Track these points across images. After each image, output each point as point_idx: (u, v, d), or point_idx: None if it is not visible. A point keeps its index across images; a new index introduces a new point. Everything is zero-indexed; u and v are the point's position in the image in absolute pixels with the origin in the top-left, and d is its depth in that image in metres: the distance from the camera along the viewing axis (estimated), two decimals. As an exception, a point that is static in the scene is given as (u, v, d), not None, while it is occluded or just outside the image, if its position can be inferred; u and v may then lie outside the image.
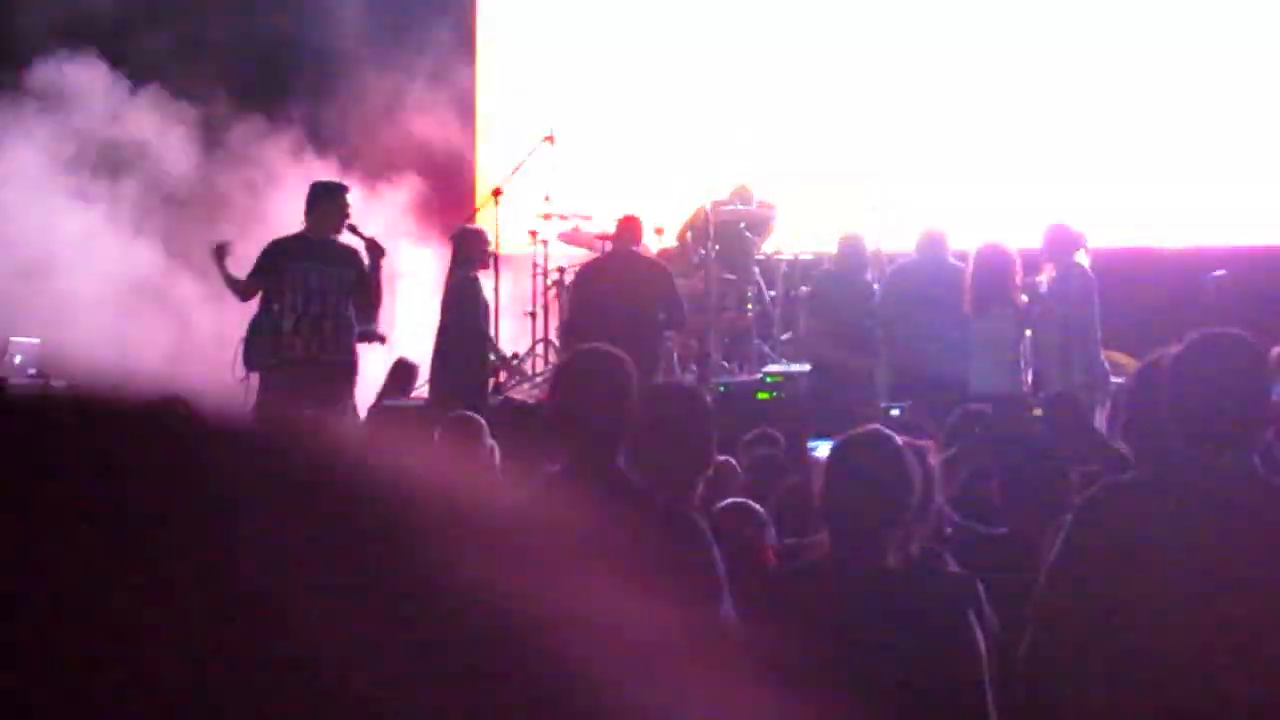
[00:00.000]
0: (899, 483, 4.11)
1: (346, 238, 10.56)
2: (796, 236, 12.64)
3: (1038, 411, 5.54)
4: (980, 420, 6.57)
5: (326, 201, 10.49)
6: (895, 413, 9.86)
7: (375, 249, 10.58)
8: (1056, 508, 5.31)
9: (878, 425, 4.38)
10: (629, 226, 11.62)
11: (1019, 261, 10.97)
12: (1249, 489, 3.91)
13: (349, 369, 10.58)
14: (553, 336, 12.47)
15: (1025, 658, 4.04)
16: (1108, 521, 3.92)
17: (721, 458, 6.13)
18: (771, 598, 4.16)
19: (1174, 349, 4.07)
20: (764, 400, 11.89)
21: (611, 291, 11.01)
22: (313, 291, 10.40)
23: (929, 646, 3.97)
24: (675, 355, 12.24)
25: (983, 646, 4.02)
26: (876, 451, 4.18)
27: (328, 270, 10.43)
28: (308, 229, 10.51)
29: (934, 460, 4.86)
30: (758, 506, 5.66)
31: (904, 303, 11.08)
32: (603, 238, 12.17)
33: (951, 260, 11.24)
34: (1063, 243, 11.19)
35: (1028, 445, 5.68)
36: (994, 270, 10.89)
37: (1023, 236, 11.65)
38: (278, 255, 10.45)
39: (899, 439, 4.42)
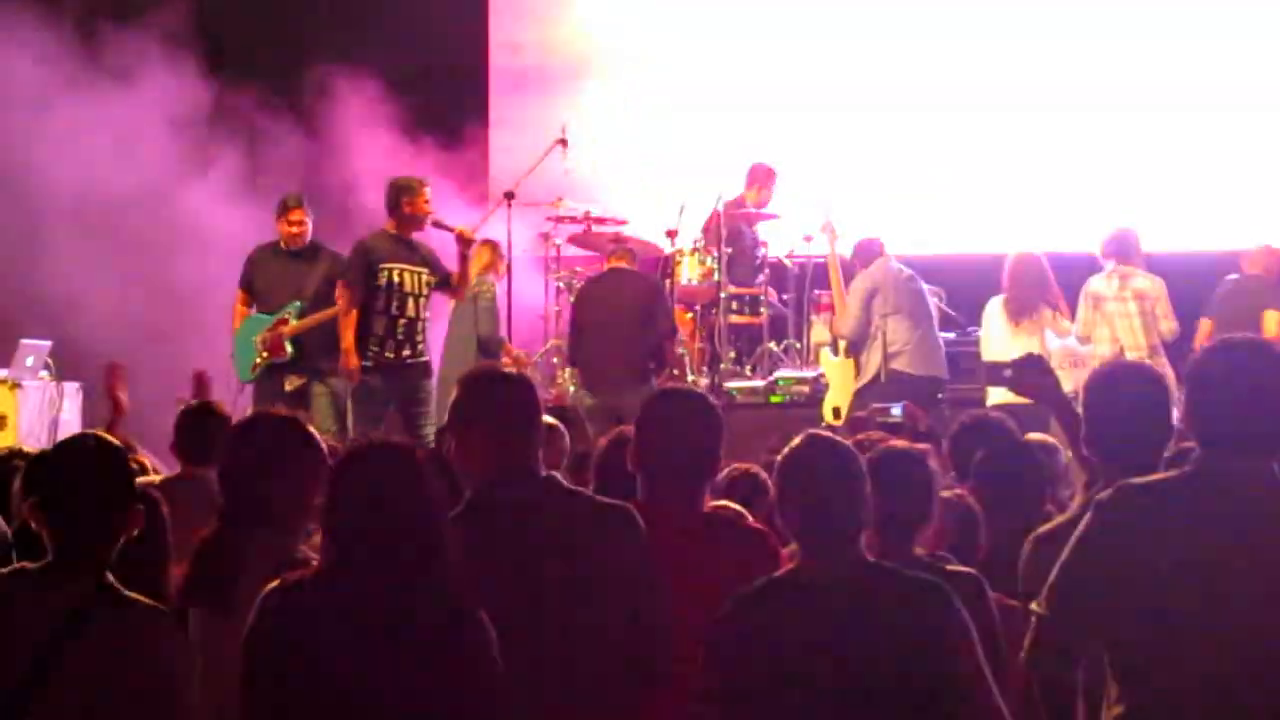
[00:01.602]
0: (851, 483, 4.08)
1: (430, 232, 10.72)
2: (810, 240, 12.58)
3: (1008, 372, 5.52)
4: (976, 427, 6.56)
5: (409, 197, 10.53)
6: (896, 412, 9.84)
7: (465, 240, 10.68)
8: (1035, 512, 5.28)
9: (818, 431, 4.35)
10: (619, 249, 11.82)
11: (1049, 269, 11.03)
12: (1269, 495, 3.87)
13: (429, 367, 10.76)
14: (562, 342, 12.46)
15: (1030, 659, 4.00)
16: (1124, 526, 3.88)
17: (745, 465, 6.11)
18: (746, 610, 4.12)
19: (1192, 355, 4.04)
20: (776, 404, 11.88)
21: (603, 308, 11.20)
22: (406, 295, 10.49)
23: (917, 646, 3.95)
24: (687, 359, 12.22)
25: (976, 641, 4.00)
26: (823, 456, 4.15)
27: (416, 271, 10.51)
28: (392, 227, 10.56)
29: (934, 464, 4.84)
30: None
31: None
32: (614, 240, 12.16)
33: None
34: (1127, 249, 11.21)
35: (1008, 448, 5.68)
36: (1032, 278, 10.93)
37: (1026, 241, 11.67)
38: (368, 258, 10.54)
39: (891, 444, 4.39)
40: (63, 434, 10.39)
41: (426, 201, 10.61)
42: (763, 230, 12.98)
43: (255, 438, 4.81)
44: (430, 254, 10.68)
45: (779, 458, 4.21)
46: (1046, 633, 3.96)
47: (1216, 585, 3.79)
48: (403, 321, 10.50)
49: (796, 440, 4.22)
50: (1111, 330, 11.01)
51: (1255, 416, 3.89)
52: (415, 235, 10.67)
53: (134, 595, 4.10)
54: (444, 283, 10.67)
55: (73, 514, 4.10)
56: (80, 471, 4.15)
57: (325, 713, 3.75)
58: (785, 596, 4.07)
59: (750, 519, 5.09)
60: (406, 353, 10.52)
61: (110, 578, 4.09)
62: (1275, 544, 3.82)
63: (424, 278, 10.58)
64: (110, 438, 4.38)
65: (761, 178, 12.90)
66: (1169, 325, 10.99)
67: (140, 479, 5.45)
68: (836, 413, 11.15)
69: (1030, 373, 5.26)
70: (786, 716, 3.99)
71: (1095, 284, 11.18)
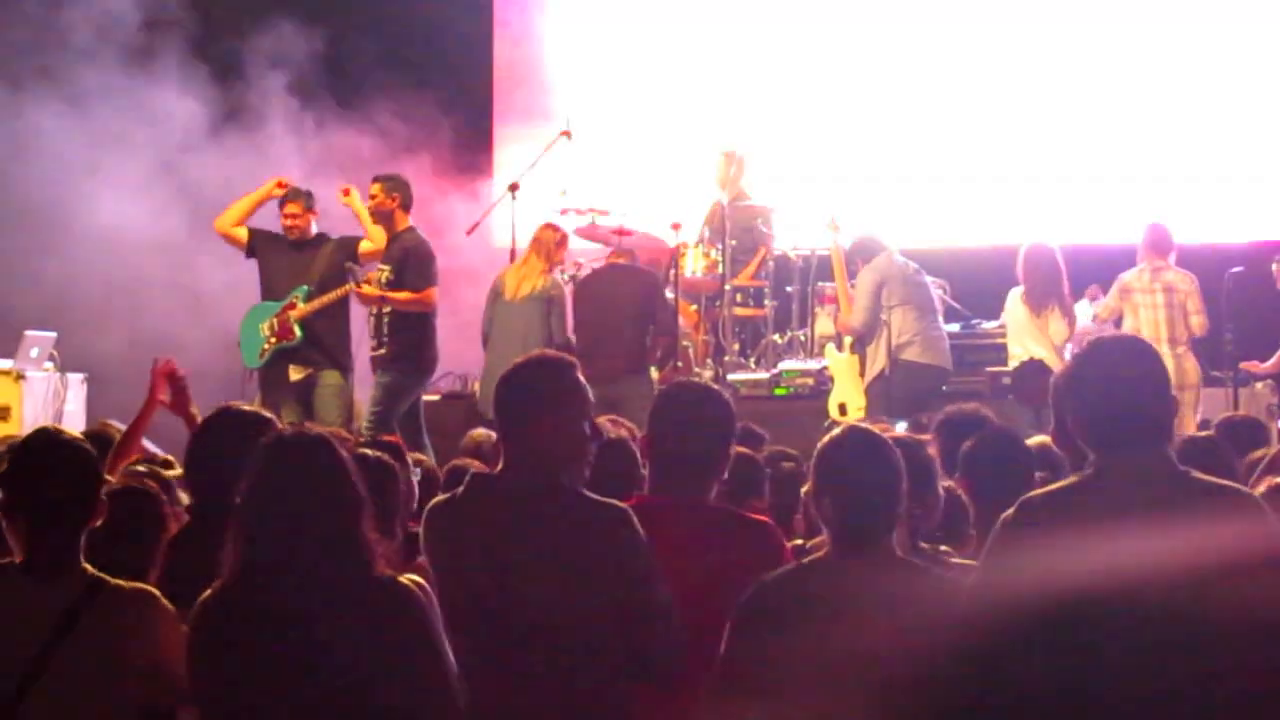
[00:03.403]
0: (888, 477, 4.13)
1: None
2: (812, 232, 12.58)
3: (1007, 380, 5.45)
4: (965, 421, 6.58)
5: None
6: (901, 428, 9.91)
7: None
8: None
9: (857, 424, 4.37)
10: (620, 246, 12.02)
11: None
12: (1166, 483, 3.91)
13: (384, 359, 10.80)
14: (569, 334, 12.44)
15: (955, 661, 4.01)
16: (1027, 541, 3.91)
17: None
18: (775, 598, 4.15)
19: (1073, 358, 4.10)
20: (781, 396, 11.87)
21: (601, 302, 11.28)
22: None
23: (930, 638, 3.96)
24: (692, 352, 12.22)
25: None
26: (862, 449, 4.17)
27: (379, 269, 10.79)
28: None
29: (932, 451, 4.86)
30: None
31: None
32: (619, 233, 12.15)
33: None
34: (1158, 244, 11.23)
35: (993, 440, 5.72)
36: (1048, 270, 10.95)
37: (1035, 234, 11.66)
38: None
39: (891, 433, 4.42)
40: (66, 425, 10.39)
41: (370, 197, 10.97)
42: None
43: (217, 433, 4.80)
44: (396, 251, 10.85)
45: (819, 446, 4.22)
46: (967, 659, 3.95)
47: (1127, 580, 3.79)
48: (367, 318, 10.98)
49: (838, 430, 4.26)
50: (1135, 321, 11.09)
51: (1138, 409, 3.93)
52: (400, 230, 10.92)
53: (119, 581, 4.13)
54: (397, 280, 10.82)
55: (39, 512, 4.12)
56: (41, 470, 4.17)
57: (272, 709, 3.79)
58: (809, 586, 4.11)
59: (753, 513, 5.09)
60: (372, 346, 10.89)
61: (90, 568, 4.12)
62: (1178, 528, 3.83)
63: (379, 275, 10.79)
64: (69, 432, 4.39)
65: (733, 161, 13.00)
66: (1199, 320, 11.10)
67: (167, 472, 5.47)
68: (842, 409, 11.16)
69: (1030, 379, 5.28)
70: (805, 705, 4.02)
71: (1126, 276, 11.27)
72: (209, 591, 3.89)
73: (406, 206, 10.93)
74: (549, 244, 11.64)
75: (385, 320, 10.78)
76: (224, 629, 3.84)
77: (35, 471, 4.17)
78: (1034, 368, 5.23)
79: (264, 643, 3.79)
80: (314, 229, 11.26)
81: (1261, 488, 4.75)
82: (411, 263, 10.82)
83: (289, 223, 11.19)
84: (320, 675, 3.76)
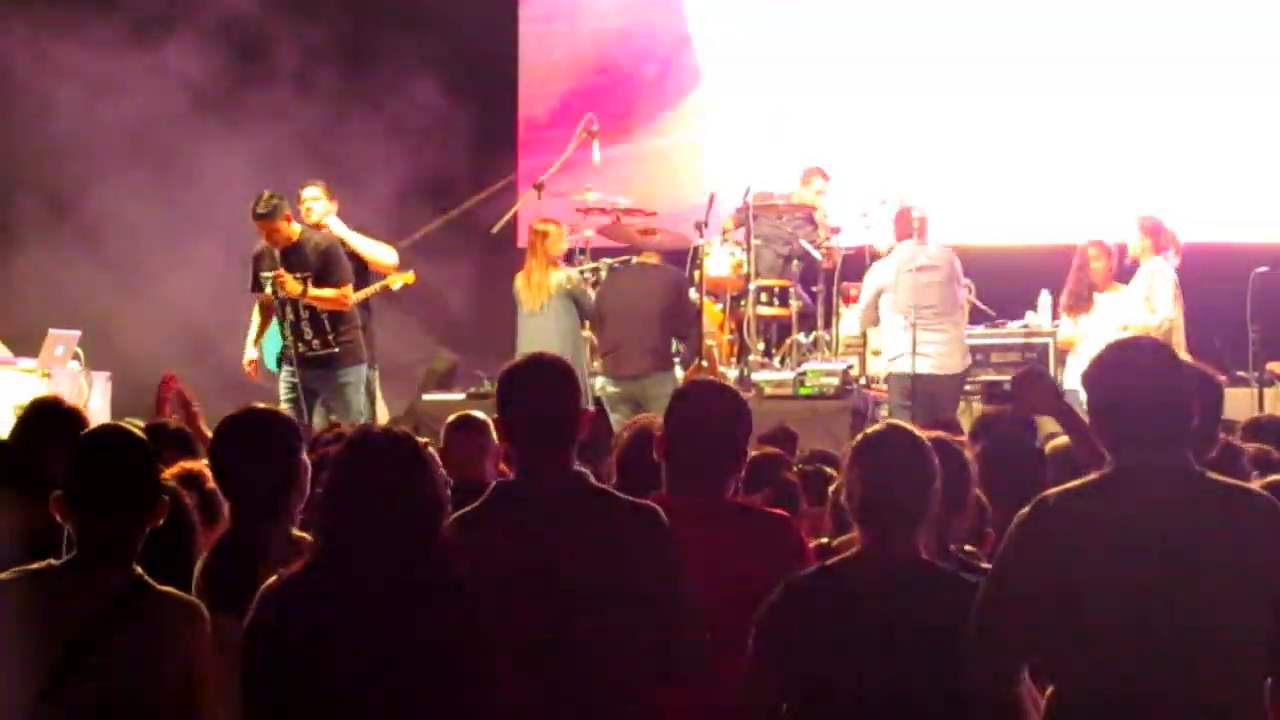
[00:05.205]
0: (921, 477, 4.12)
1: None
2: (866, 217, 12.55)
3: (1007, 387, 5.45)
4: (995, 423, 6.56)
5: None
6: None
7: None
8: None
9: (896, 421, 4.37)
10: (647, 245, 11.89)
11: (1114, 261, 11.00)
12: (1184, 486, 3.91)
13: (331, 358, 10.80)
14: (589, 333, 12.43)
15: (968, 682, 3.99)
16: (1043, 540, 3.91)
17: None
18: (801, 597, 4.14)
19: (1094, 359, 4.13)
20: (805, 396, 11.84)
21: (627, 298, 11.32)
22: (283, 301, 10.73)
23: (950, 640, 3.96)
24: (715, 351, 12.21)
25: None
26: (898, 446, 4.17)
27: (299, 276, 10.70)
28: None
29: (970, 455, 4.84)
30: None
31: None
32: (644, 233, 12.13)
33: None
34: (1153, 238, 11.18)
35: (1008, 443, 5.70)
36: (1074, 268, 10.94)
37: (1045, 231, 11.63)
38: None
39: (930, 434, 4.42)
40: (92, 423, 10.39)
41: (314, 200, 11.28)
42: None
43: (237, 436, 4.79)
44: (317, 251, 10.86)
45: (855, 439, 4.22)
46: (980, 656, 3.96)
47: (1141, 585, 3.82)
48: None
49: (878, 426, 4.28)
50: (1180, 320, 11.02)
51: (1160, 413, 3.93)
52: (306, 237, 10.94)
53: (166, 588, 4.12)
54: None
55: (101, 509, 4.10)
56: (108, 467, 4.15)
57: (327, 703, 3.75)
58: (837, 587, 4.11)
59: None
60: (315, 342, 10.85)
61: (139, 570, 4.10)
62: (1196, 531, 3.84)
63: (295, 277, 10.76)
64: (134, 428, 4.37)
65: (804, 177, 12.99)
66: None
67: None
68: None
69: (1027, 386, 5.27)
70: (834, 707, 4.03)
71: (1173, 271, 11.11)
72: (274, 579, 3.86)
73: None
74: (543, 242, 11.57)
75: (323, 318, 10.73)
76: (290, 617, 3.78)
77: (96, 466, 4.15)
78: (1031, 374, 5.17)
79: (330, 635, 3.74)
80: (333, 220, 11.28)
81: (1256, 484, 4.74)
82: (330, 260, 10.84)
83: (306, 205, 11.19)
84: (382, 671, 3.72)
